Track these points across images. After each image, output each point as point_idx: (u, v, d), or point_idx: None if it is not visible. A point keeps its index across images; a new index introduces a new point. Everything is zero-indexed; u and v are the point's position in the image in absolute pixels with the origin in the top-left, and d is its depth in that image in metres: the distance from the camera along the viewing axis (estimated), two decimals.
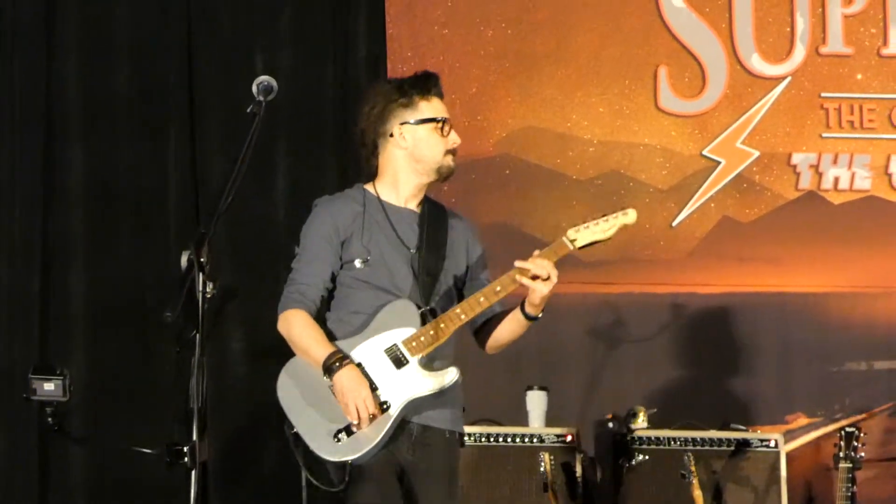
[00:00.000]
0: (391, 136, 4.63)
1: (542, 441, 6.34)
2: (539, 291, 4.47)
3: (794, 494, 6.61)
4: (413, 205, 4.69)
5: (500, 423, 6.50)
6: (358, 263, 4.57)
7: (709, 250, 7.36)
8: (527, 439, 6.36)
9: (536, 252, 4.52)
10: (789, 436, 6.97)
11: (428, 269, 4.62)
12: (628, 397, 6.81)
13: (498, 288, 4.52)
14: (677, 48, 7.43)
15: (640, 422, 6.45)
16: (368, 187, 4.69)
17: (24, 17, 6.98)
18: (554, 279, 4.46)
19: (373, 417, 4.41)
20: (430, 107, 4.63)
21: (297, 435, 4.47)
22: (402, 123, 4.62)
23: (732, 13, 7.45)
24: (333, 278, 4.63)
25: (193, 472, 3.81)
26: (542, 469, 6.15)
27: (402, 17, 7.34)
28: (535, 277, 4.47)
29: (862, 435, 6.06)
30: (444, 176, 4.67)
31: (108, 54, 7.10)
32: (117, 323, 6.93)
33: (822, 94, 7.46)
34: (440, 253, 4.65)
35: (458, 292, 4.69)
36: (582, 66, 7.43)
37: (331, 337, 4.56)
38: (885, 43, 7.46)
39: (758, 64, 7.45)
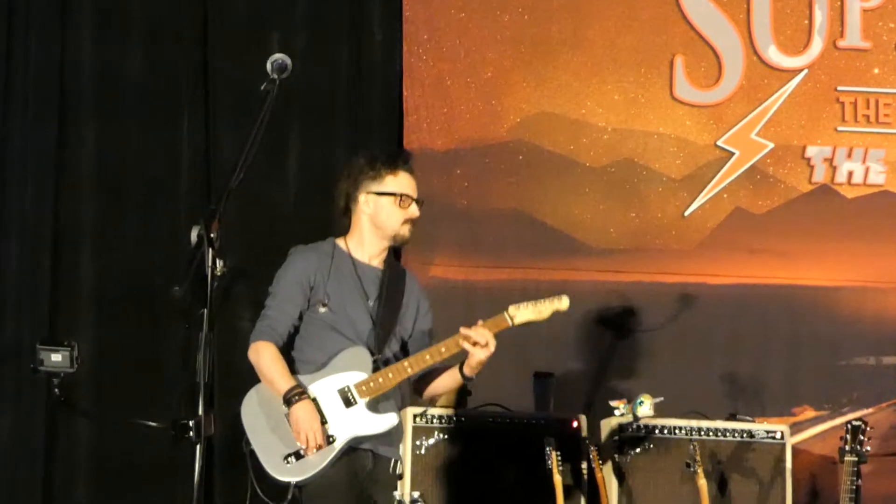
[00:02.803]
0: (358, 201, 5.12)
1: (548, 427, 6.34)
2: (476, 356, 4.94)
3: (798, 487, 6.62)
4: (377, 262, 5.17)
5: (506, 408, 6.51)
6: (321, 309, 5.05)
7: (720, 241, 7.36)
8: (533, 424, 6.36)
9: (480, 322, 4.96)
10: (795, 428, 6.98)
11: (383, 322, 5.09)
12: (635, 385, 6.81)
13: (443, 349, 4.98)
14: (694, 38, 7.42)
15: (647, 410, 6.45)
16: (340, 242, 5.17)
17: (40, 0, 6.98)
18: (491, 348, 4.92)
19: (319, 447, 4.88)
20: (396, 181, 5.10)
21: (252, 452, 4.93)
22: (367, 192, 5.11)
23: (751, 4, 7.44)
24: (301, 317, 5.10)
25: (199, 447, 3.82)
26: (547, 454, 6.15)
27: (419, 0, 7.33)
28: (475, 344, 4.91)
29: (868, 429, 6.05)
30: (398, 242, 5.18)
31: (122, 35, 7.09)
32: (126, 301, 6.94)
33: (839, 88, 7.45)
34: (395, 309, 5.14)
35: (405, 344, 5.16)
36: (598, 54, 7.42)
37: (293, 370, 5.03)
38: None
39: (775, 56, 7.44)
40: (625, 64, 7.41)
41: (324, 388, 4.99)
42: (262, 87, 4.22)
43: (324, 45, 7.19)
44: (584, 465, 6.34)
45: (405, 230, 5.15)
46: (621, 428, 6.44)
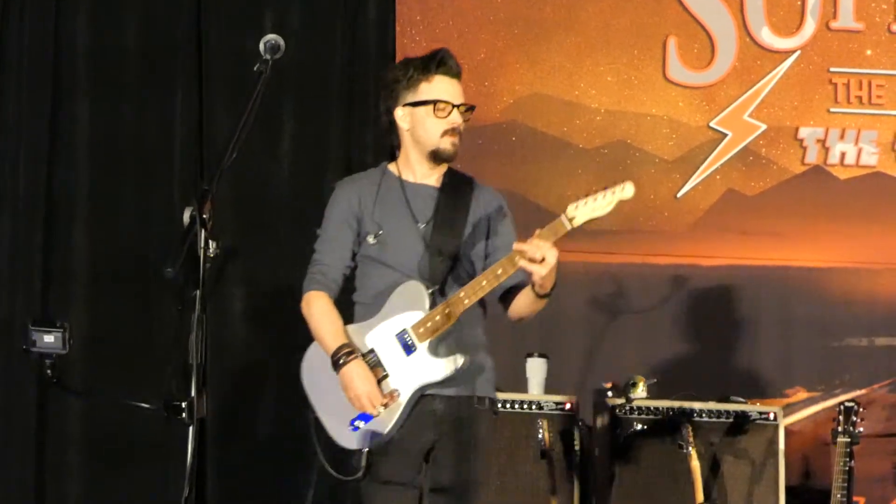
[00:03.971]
0: (396, 116, 4.71)
1: (540, 408, 6.34)
2: (536, 273, 4.43)
3: (791, 468, 6.62)
4: (432, 180, 4.71)
5: (499, 390, 6.49)
6: (370, 239, 4.62)
7: (713, 223, 7.36)
8: (525, 406, 6.37)
9: (537, 232, 4.46)
10: (788, 409, 6.98)
11: (440, 246, 4.61)
12: (628, 367, 6.80)
13: (499, 271, 4.49)
14: (687, 19, 7.41)
15: (640, 392, 6.44)
16: (391, 166, 4.74)
17: None
18: (550, 261, 4.40)
19: (385, 405, 4.46)
20: (430, 88, 4.65)
21: (317, 420, 4.56)
22: (404, 105, 4.68)
23: None
24: (353, 256, 4.69)
25: (191, 428, 3.81)
26: (539, 436, 6.16)
27: None
28: (531, 260, 4.42)
29: (861, 410, 6.06)
30: (440, 159, 4.70)
31: (116, 10, 7.07)
32: (119, 279, 6.93)
33: (831, 69, 7.45)
34: (455, 230, 4.65)
35: (482, 268, 4.65)
36: (591, 35, 7.41)
37: (353, 318, 4.64)
38: (895, 19, 7.44)
39: (767, 37, 7.43)
40: (618, 45, 7.41)
41: (380, 335, 4.54)
42: (255, 68, 4.21)
43: (317, 23, 7.17)
44: (577, 446, 6.34)
45: (447, 143, 4.65)
46: (614, 409, 6.44)
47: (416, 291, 4.54)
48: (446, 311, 4.48)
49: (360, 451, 4.49)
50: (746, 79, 7.41)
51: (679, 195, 7.37)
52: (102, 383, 6.79)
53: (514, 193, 7.22)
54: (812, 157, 7.41)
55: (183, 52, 7.08)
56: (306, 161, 7.07)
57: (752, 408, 6.55)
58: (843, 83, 7.43)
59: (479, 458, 4.64)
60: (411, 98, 4.66)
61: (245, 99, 4.16)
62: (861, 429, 6.03)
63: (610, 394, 6.50)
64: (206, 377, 3.87)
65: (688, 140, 7.39)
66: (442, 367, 4.50)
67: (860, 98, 7.44)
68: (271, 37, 4.24)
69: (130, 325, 6.90)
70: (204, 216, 3.84)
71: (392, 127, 4.73)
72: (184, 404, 3.81)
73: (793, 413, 7.08)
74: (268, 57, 4.21)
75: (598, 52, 7.40)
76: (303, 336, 4.72)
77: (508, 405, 6.33)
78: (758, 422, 6.47)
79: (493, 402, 4.73)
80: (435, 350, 4.50)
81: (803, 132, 7.42)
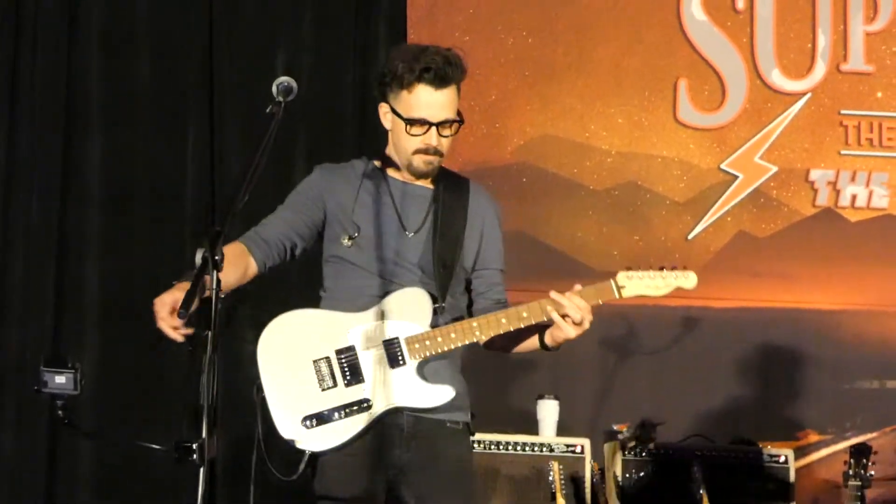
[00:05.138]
0: (382, 112, 4.30)
1: (552, 450, 6.33)
2: (565, 333, 4.09)
3: None
4: (424, 181, 4.29)
5: (509, 432, 6.49)
6: (345, 241, 4.23)
7: (724, 264, 7.35)
8: (536, 448, 6.35)
9: (577, 287, 4.11)
10: (800, 452, 6.96)
11: (443, 259, 4.19)
12: (639, 409, 6.79)
13: (524, 314, 4.11)
14: (698, 61, 7.43)
15: (650, 434, 6.43)
16: (377, 161, 4.33)
17: (47, 11, 6.98)
18: (585, 325, 4.06)
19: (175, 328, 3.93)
20: (409, 99, 4.18)
21: (263, 401, 4.15)
22: (386, 102, 4.26)
23: (754, 28, 7.45)
24: (302, 238, 4.28)
25: (202, 470, 3.80)
26: (550, 478, 6.14)
27: (424, 22, 7.34)
28: (565, 316, 4.07)
29: (873, 453, 6.03)
30: (415, 175, 4.26)
31: (129, 50, 7.10)
32: (130, 317, 6.92)
33: (842, 111, 7.46)
34: (455, 239, 4.22)
35: (468, 284, 4.31)
36: (602, 77, 7.42)
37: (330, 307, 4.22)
38: None
39: (778, 79, 7.45)
40: (629, 87, 7.42)
41: (366, 335, 4.08)
42: (268, 110, 4.20)
43: (329, 66, 7.20)
44: (588, 489, 6.33)
45: (419, 161, 4.19)
46: (625, 451, 6.42)
47: (419, 302, 4.13)
48: (450, 336, 4.10)
49: (303, 451, 4.10)
50: (757, 121, 7.42)
51: (690, 237, 7.38)
52: (113, 424, 6.78)
53: (525, 234, 7.23)
54: (823, 199, 7.41)
55: (195, 90, 7.11)
56: None
57: (763, 450, 6.54)
58: (854, 125, 7.44)
59: (472, 482, 4.30)
60: (392, 100, 4.23)
61: (256, 137, 4.16)
62: (873, 472, 6.01)
63: (621, 436, 6.49)
64: (216, 418, 3.87)
65: (699, 182, 7.40)
66: (430, 396, 4.10)
67: (871, 140, 7.44)
68: (284, 79, 4.22)
69: (141, 365, 6.89)
70: (216, 257, 3.84)
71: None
72: (195, 445, 3.80)
73: (804, 456, 7.06)
74: (280, 99, 4.19)
75: (609, 94, 7.42)
76: None
77: (519, 447, 6.32)
78: (769, 464, 6.45)
79: (468, 424, 4.29)
80: (422, 372, 4.11)
81: (814, 174, 7.43)
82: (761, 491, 6.41)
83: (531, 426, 6.59)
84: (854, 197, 7.42)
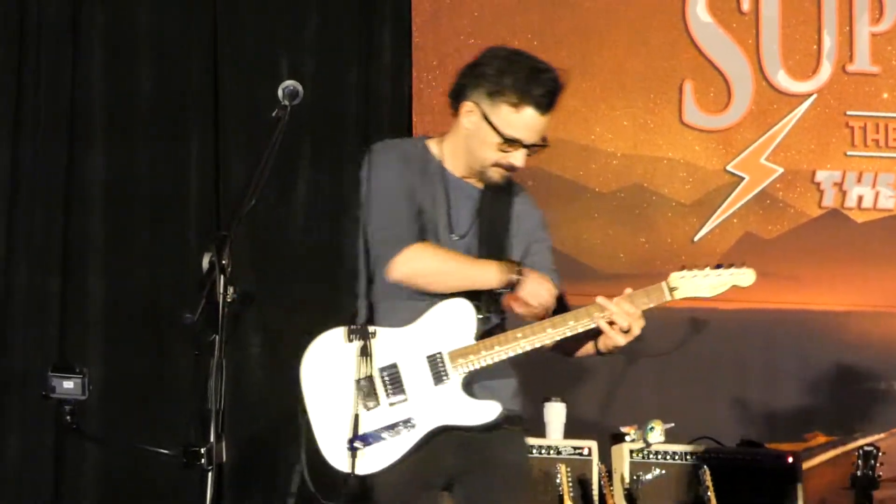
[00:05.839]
0: (464, 106, 4.10)
1: (559, 453, 6.33)
2: (613, 340, 3.97)
3: None
4: (475, 180, 4.14)
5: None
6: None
7: None
8: (544, 451, 6.35)
9: (627, 291, 4.00)
10: (807, 454, 6.95)
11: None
12: (646, 411, 6.79)
13: (571, 322, 3.97)
14: (703, 63, 7.42)
15: (658, 436, 6.43)
16: (431, 144, 4.20)
17: (50, 19, 6.98)
18: (636, 331, 3.93)
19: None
20: (512, 117, 4.03)
21: (308, 424, 4.00)
22: (477, 101, 4.06)
23: (759, 29, 7.44)
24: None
25: (209, 474, 3.80)
26: (558, 481, 6.14)
27: (428, 26, 7.34)
28: (612, 324, 3.95)
29: (880, 454, 6.03)
30: (482, 180, 4.12)
31: (132, 56, 7.10)
32: (136, 325, 6.93)
33: (848, 112, 7.45)
34: (499, 245, 4.08)
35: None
36: (607, 79, 7.42)
37: (370, 323, 4.04)
38: None
39: (784, 80, 7.45)
40: (633, 89, 7.42)
41: (409, 351, 3.93)
42: (273, 114, 4.19)
43: (333, 69, 7.20)
44: (595, 491, 6.32)
45: (494, 174, 4.06)
46: (632, 454, 6.42)
47: (463, 313, 3.97)
48: (494, 347, 3.92)
49: (349, 474, 3.93)
50: (763, 122, 7.42)
51: (696, 239, 7.37)
52: (120, 429, 6.78)
53: None
54: (829, 200, 7.41)
55: (198, 98, 7.11)
56: (321, 207, 7.08)
57: (770, 452, 6.53)
58: (860, 126, 7.44)
59: (529, 488, 4.20)
60: (487, 107, 4.05)
61: (261, 143, 4.15)
62: (880, 473, 6.00)
63: (628, 438, 6.48)
64: (224, 423, 3.86)
65: (705, 184, 7.39)
66: (477, 413, 3.94)
67: (877, 141, 7.44)
68: (290, 83, 4.21)
69: (147, 371, 6.89)
70: (223, 262, 3.84)
71: (456, 99, 4.13)
72: (202, 450, 3.80)
73: (811, 457, 7.05)
74: (286, 103, 4.18)
75: (614, 97, 7.42)
76: None
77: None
78: (776, 466, 6.44)
79: (522, 418, 4.16)
80: (469, 387, 3.95)
81: (820, 175, 7.42)
82: (769, 493, 6.40)
83: (538, 429, 6.58)
84: (860, 198, 7.42)
